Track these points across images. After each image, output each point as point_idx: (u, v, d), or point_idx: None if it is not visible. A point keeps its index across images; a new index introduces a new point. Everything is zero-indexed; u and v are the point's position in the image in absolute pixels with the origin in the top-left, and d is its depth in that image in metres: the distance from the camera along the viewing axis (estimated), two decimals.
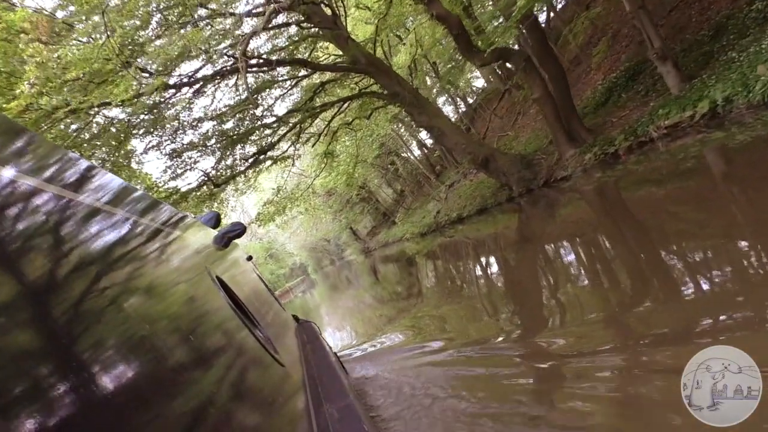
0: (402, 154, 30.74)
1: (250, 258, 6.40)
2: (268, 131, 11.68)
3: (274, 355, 2.19)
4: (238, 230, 3.88)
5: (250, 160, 11.91)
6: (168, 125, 12.15)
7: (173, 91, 11.45)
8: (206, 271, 2.23)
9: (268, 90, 12.85)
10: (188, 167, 11.96)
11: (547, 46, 10.49)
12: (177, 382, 1.03)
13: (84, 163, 1.45)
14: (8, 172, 0.89)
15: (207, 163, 12.24)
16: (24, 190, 0.90)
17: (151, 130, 11.75)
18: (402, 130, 29.24)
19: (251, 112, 11.84)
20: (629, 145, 9.33)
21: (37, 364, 0.62)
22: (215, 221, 4.10)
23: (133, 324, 1.01)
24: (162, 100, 11.18)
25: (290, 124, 12.17)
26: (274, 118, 12.25)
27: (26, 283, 0.74)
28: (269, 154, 12.55)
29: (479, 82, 28.93)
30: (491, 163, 13.08)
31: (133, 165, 12.87)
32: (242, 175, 12.12)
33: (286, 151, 13.09)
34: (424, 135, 31.39)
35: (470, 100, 26.81)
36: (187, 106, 12.05)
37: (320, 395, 2.21)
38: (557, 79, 10.64)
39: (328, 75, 14.78)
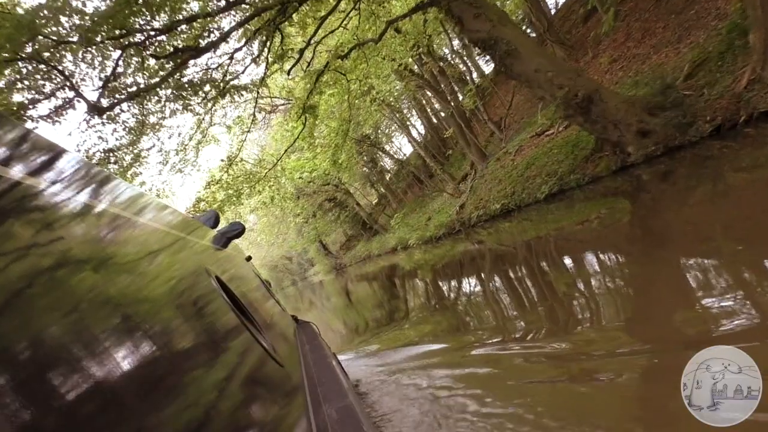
0: (389, 151, 25.37)
1: (249, 258, 5.74)
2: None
3: (273, 356, 2.05)
4: (238, 230, 3.90)
5: (174, 63, 5.95)
6: None
7: None
8: (205, 271, 2.10)
9: None
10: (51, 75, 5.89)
11: None
12: (175, 383, 0.98)
13: (82, 161, 1.37)
14: (16, 173, 0.85)
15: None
16: (22, 189, 0.86)
17: None
18: (385, 128, 24.08)
19: None
20: None
21: (35, 366, 0.59)
22: (214, 221, 3.98)
23: (131, 324, 0.94)
24: None
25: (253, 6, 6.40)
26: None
27: (22, 284, 0.70)
28: (212, 58, 6.67)
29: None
30: (595, 105, 7.82)
31: None
32: (155, 95, 6.11)
33: (244, 71, 7.25)
34: (419, 131, 26.27)
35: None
36: None
37: (319, 396, 2.09)
38: None
39: None
